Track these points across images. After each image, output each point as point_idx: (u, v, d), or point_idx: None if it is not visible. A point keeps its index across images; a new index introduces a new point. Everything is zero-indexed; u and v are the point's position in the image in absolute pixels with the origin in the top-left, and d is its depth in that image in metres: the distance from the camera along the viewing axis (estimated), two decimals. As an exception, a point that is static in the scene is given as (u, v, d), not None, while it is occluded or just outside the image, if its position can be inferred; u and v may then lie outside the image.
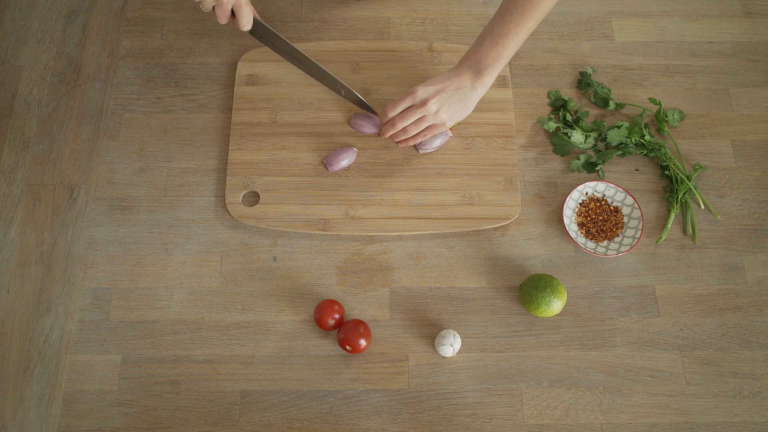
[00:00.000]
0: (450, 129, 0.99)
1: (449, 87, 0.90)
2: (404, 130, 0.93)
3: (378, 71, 1.04)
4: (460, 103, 0.91)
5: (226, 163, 0.99)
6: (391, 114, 0.92)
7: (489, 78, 0.91)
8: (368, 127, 0.99)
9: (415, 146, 0.99)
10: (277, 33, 0.93)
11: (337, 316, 0.88)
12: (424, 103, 0.90)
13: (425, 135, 0.94)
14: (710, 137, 1.02)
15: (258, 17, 0.91)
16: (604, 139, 1.01)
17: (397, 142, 0.96)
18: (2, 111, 1.03)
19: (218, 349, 0.89)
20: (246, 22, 0.89)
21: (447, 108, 0.91)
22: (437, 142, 0.98)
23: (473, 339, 0.90)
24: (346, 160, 0.97)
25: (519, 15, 0.88)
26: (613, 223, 0.96)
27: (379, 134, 0.98)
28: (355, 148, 0.98)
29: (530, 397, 0.87)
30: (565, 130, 1.01)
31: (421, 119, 0.92)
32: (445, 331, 0.88)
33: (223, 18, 0.87)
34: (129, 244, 0.95)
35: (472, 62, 0.91)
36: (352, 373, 0.88)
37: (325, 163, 0.97)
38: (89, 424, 0.85)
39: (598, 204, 0.97)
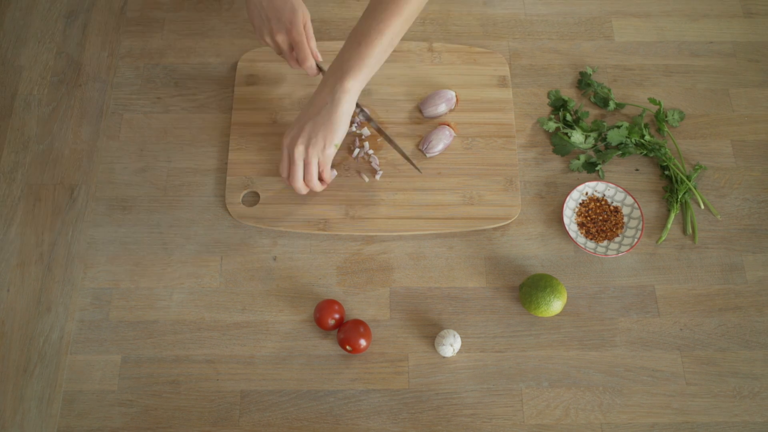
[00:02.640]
0: (452, 128, 0.99)
1: (308, 116, 0.85)
2: (308, 185, 0.89)
3: (378, 71, 1.04)
4: (324, 126, 0.84)
5: (226, 163, 0.99)
6: (284, 176, 0.89)
7: (352, 83, 0.83)
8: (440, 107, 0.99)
9: (421, 150, 0.98)
10: None
11: (337, 316, 0.88)
12: (293, 151, 0.85)
13: (323, 171, 0.89)
14: (710, 137, 1.02)
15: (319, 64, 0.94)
16: (604, 139, 1.01)
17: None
18: (2, 111, 1.03)
19: (218, 349, 0.89)
20: (302, 59, 0.91)
21: (315, 139, 0.84)
22: (441, 145, 0.98)
23: (473, 339, 0.90)
24: (443, 105, 0.99)
25: (383, 12, 0.81)
26: (613, 223, 0.96)
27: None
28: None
29: (530, 397, 0.87)
30: (565, 130, 1.01)
31: (306, 169, 0.87)
32: (445, 331, 0.88)
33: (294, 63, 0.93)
34: (129, 244, 0.95)
35: (333, 69, 0.84)
36: (352, 373, 0.88)
37: (421, 108, 0.98)
38: (89, 424, 0.85)
39: (598, 204, 0.97)
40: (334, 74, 0.84)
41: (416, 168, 0.94)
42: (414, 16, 0.84)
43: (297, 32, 0.89)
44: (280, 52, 0.94)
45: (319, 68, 0.95)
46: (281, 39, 0.90)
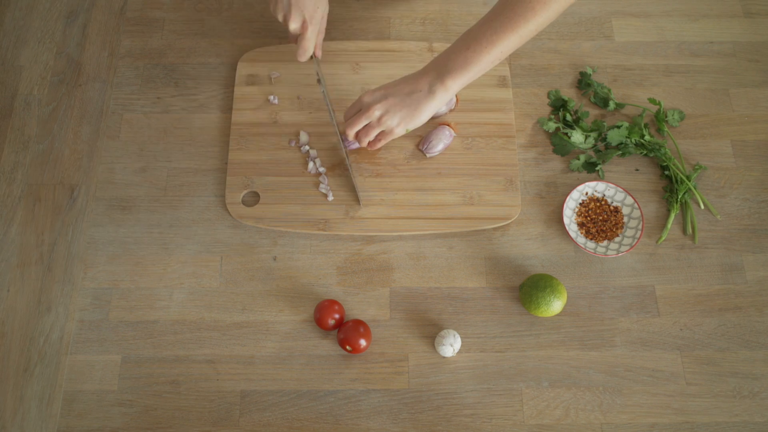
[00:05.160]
0: (452, 128, 0.99)
1: (399, 91, 0.86)
2: (358, 137, 0.91)
3: (378, 71, 1.04)
4: (409, 108, 0.85)
5: (226, 163, 0.99)
6: (353, 131, 0.90)
7: (452, 83, 0.83)
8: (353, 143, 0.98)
9: (421, 150, 0.98)
10: (320, 76, 0.96)
11: (337, 316, 0.88)
12: (368, 109, 0.87)
13: (380, 140, 0.91)
14: (710, 137, 1.02)
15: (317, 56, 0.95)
16: (604, 139, 1.01)
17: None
18: (2, 111, 1.03)
19: (218, 349, 0.89)
20: (301, 53, 0.91)
21: (393, 114, 0.86)
22: (441, 145, 0.98)
23: (473, 339, 0.90)
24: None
25: (500, 24, 0.80)
26: (613, 223, 0.96)
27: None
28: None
29: (530, 397, 0.87)
30: (565, 130, 1.01)
31: (369, 126, 0.89)
32: (445, 331, 0.88)
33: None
34: (129, 244, 0.95)
35: (438, 64, 0.85)
36: (352, 373, 0.88)
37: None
38: (89, 424, 0.85)
39: (598, 204, 0.97)
40: (437, 68, 0.84)
41: (357, 201, 0.95)
42: (531, 35, 0.82)
43: (312, 27, 0.89)
44: (286, 29, 0.93)
45: (312, 57, 0.95)
46: (293, 27, 0.89)
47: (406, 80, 0.87)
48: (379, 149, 0.98)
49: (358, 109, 0.89)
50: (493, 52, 0.82)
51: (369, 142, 0.92)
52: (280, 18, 0.90)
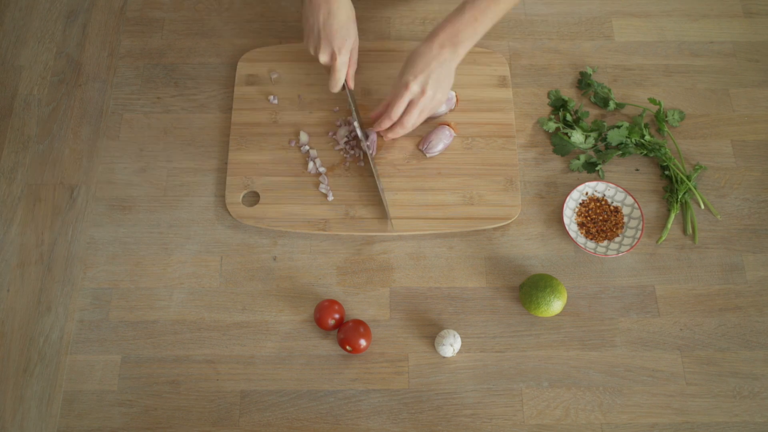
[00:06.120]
0: (452, 128, 0.99)
1: (434, 67, 0.89)
2: (402, 120, 0.92)
3: (378, 71, 1.04)
4: (447, 78, 0.90)
5: (226, 163, 0.99)
6: (395, 117, 0.91)
7: (463, 50, 0.90)
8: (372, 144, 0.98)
9: (421, 150, 0.98)
10: (353, 107, 0.96)
11: (337, 316, 0.88)
12: (422, 92, 0.89)
13: (420, 122, 0.94)
14: (710, 137, 1.02)
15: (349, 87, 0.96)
16: (604, 139, 1.01)
17: (382, 135, 0.96)
18: (2, 111, 1.03)
19: (218, 349, 0.89)
20: (333, 84, 0.93)
21: (441, 87, 0.90)
22: (441, 145, 0.98)
23: (473, 339, 0.90)
24: (443, 105, 0.98)
25: None
26: (613, 223, 0.96)
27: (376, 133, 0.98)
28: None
29: (530, 397, 0.87)
30: (565, 130, 1.01)
31: (411, 105, 0.90)
32: (445, 331, 0.88)
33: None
34: (129, 244, 0.95)
35: (448, 34, 0.89)
36: (352, 373, 0.88)
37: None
38: (89, 424, 0.85)
39: (598, 204, 0.97)
40: (449, 38, 0.89)
41: (389, 218, 0.94)
42: None
43: (341, 60, 0.91)
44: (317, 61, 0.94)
45: (344, 88, 0.95)
46: (323, 59, 0.91)
47: (429, 56, 0.89)
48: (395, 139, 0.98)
49: (410, 96, 0.90)
50: (494, 19, 0.90)
51: (387, 131, 0.94)
52: (311, 51, 0.92)
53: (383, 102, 0.94)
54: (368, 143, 0.96)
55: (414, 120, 0.92)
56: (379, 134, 0.97)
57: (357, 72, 1.04)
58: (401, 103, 0.90)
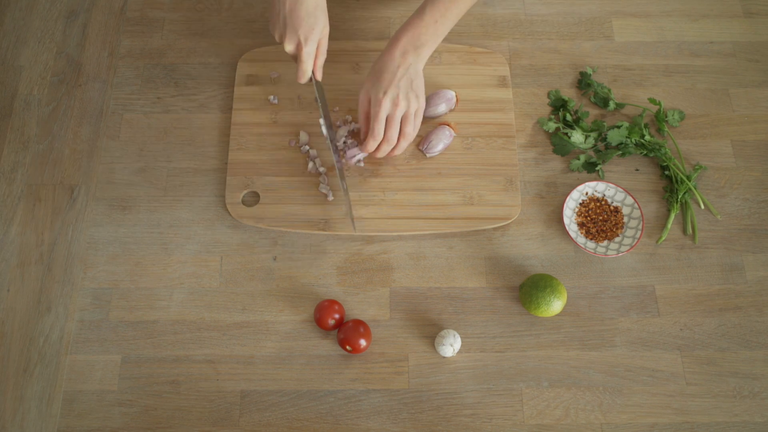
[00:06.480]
0: (452, 128, 0.99)
1: (400, 75, 0.88)
2: (387, 136, 0.90)
3: (378, 71, 1.04)
4: (416, 81, 0.89)
5: (226, 163, 0.99)
6: (380, 130, 0.90)
7: (427, 53, 0.90)
8: (357, 154, 0.97)
9: (421, 150, 0.99)
10: (319, 100, 0.95)
11: (337, 316, 0.88)
12: (396, 105, 0.88)
13: (417, 127, 0.93)
14: (710, 137, 1.02)
15: (317, 79, 0.94)
16: (604, 139, 1.01)
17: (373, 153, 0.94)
18: (2, 111, 1.03)
19: (218, 349, 0.89)
20: (299, 75, 0.91)
21: (412, 94, 0.89)
22: (441, 145, 0.98)
23: (473, 339, 0.90)
24: (443, 105, 0.98)
25: None
26: (613, 223, 0.96)
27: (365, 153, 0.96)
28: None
29: (530, 397, 0.87)
30: (565, 130, 1.01)
31: (389, 118, 0.89)
32: (445, 331, 0.88)
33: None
34: (129, 244, 0.95)
35: (410, 39, 0.88)
36: (352, 373, 0.88)
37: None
38: (89, 424, 0.85)
39: (598, 204, 0.97)
40: (411, 42, 0.88)
41: (351, 219, 0.93)
42: None
43: (307, 49, 0.88)
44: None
45: (311, 80, 0.93)
46: (289, 48, 0.89)
47: (392, 65, 0.88)
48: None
49: (387, 111, 0.89)
50: (454, 19, 0.90)
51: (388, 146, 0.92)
52: (276, 38, 0.90)
53: (359, 115, 0.92)
54: (343, 146, 0.96)
55: (396, 132, 0.90)
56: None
57: (356, 72, 1.04)
58: (379, 121, 0.89)
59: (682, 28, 1.11)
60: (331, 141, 0.93)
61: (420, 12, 0.89)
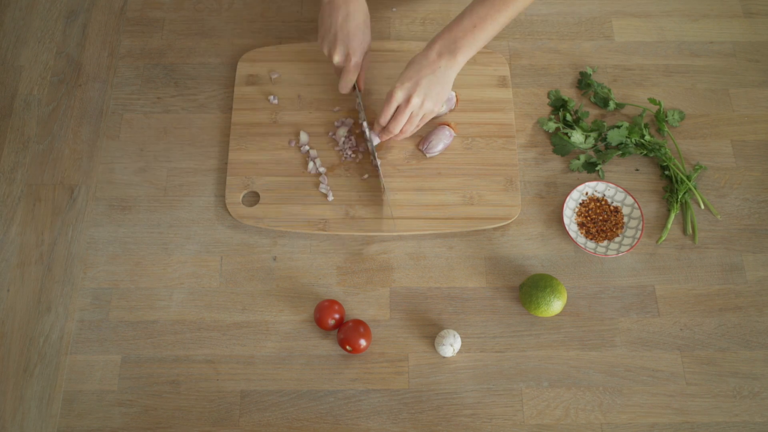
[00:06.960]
0: (452, 128, 0.99)
1: (424, 74, 0.88)
2: (402, 131, 0.93)
3: (378, 71, 1.04)
4: (439, 85, 0.89)
5: (226, 163, 0.99)
6: (384, 123, 0.92)
7: (462, 58, 0.90)
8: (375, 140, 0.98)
9: (421, 150, 0.99)
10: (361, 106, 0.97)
11: (337, 316, 0.88)
12: (408, 101, 0.89)
13: (419, 126, 0.94)
14: (710, 137, 1.02)
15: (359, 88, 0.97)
16: (604, 139, 1.01)
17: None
18: (2, 111, 1.03)
19: (218, 349, 0.89)
20: (343, 85, 0.94)
21: (430, 96, 0.89)
22: (441, 145, 0.98)
23: (473, 339, 0.90)
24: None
25: (501, 1, 0.88)
26: (613, 223, 0.96)
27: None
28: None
29: (530, 397, 0.87)
30: (565, 130, 1.01)
31: (411, 116, 0.91)
32: (445, 331, 0.88)
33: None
34: (129, 244, 0.95)
35: (446, 42, 0.89)
36: (352, 373, 0.88)
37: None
38: (89, 424, 0.85)
39: (598, 204, 0.97)
40: (447, 45, 0.89)
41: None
42: (526, 6, 0.90)
43: (354, 62, 0.92)
44: (330, 62, 0.95)
45: (354, 88, 0.97)
46: (337, 60, 0.92)
47: (421, 64, 0.89)
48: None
49: (395, 105, 0.90)
50: (496, 28, 0.89)
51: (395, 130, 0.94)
52: (325, 51, 0.93)
53: (387, 107, 0.94)
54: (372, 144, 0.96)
55: (399, 126, 0.91)
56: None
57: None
58: (388, 110, 0.90)
59: (682, 28, 1.11)
60: (372, 144, 0.95)
61: (460, 16, 0.90)
